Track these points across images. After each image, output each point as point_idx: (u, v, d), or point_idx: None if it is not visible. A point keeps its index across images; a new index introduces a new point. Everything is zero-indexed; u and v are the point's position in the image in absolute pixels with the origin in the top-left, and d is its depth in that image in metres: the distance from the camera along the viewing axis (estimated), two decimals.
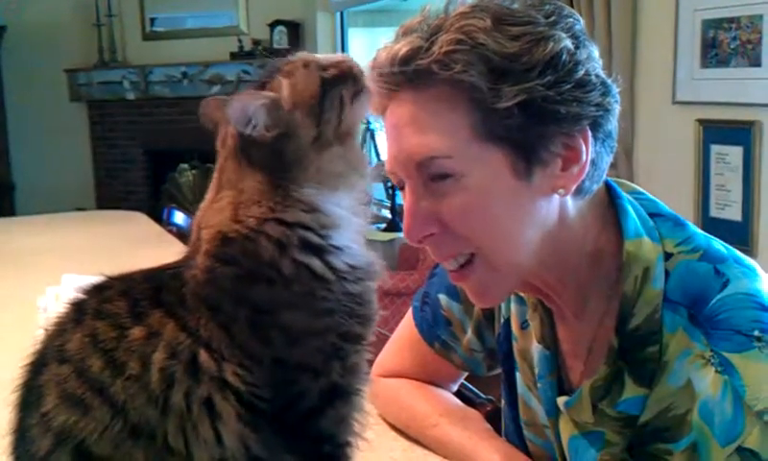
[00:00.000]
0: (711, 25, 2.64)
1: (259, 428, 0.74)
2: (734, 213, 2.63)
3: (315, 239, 0.76)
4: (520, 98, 0.82)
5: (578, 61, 0.84)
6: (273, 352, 0.74)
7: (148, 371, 0.72)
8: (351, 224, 0.80)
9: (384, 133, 0.92)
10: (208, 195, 0.82)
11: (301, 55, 0.83)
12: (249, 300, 0.75)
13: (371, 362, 0.83)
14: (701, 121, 2.73)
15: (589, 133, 0.86)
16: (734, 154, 2.61)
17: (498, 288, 0.94)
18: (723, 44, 2.61)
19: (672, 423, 0.86)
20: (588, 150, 0.86)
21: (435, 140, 0.85)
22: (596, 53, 0.89)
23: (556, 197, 0.88)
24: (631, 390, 0.89)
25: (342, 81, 0.81)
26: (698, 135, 2.74)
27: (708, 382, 0.83)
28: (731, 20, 2.57)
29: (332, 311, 0.76)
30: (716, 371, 0.83)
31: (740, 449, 0.81)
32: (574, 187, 0.88)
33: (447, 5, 0.88)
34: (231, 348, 0.74)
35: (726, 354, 0.83)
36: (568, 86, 0.83)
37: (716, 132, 2.69)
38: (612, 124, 0.89)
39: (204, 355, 0.73)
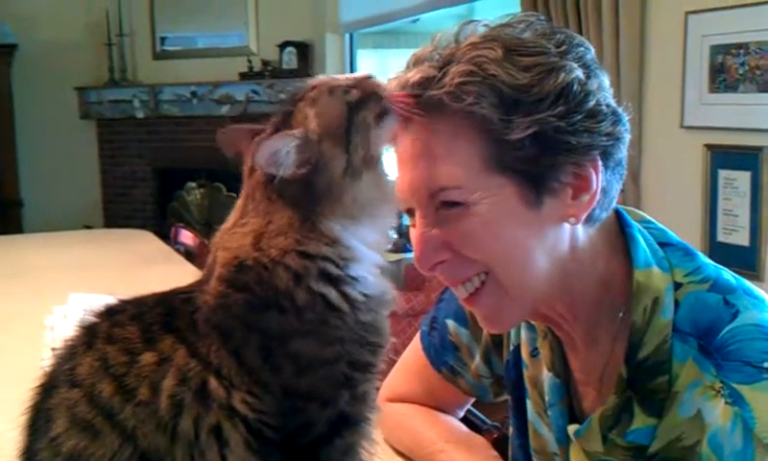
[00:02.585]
0: (720, 50, 2.64)
1: (266, 456, 0.74)
2: (742, 238, 2.63)
3: (334, 270, 0.76)
4: (532, 130, 0.82)
5: (589, 92, 0.85)
6: (282, 380, 0.74)
7: (157, 397, 0.72)
8: (371, 257, 0.79)
9: (394, 159, 0.92)
10: (231, 218, 0.81)
11: (324, 79, 0.82)
12: (260, 326, 0.74)
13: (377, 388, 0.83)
14: (709, 146, 2.73)
15: (600, 163, 0.86)
16: (742, 179, 2.61)
17: (509, 314, 0.93)
18: (731, 70, 2.61)
19: (681, 453, 0.85)
20: (598, 179, 0.86)
21: (446, 170, 0.85)
22: (607, 82, 0.89)
23: (566, 225, 0.88)
24: (640, 420, 0.89)
25: (366, 102, 0.80)
26: (706, 160, 2.74)
27: (717, 413, 0.83)
28: (739, 46, 2.57)
29: (343, 340, 0.76)
30: (726, 402, 0.83)
31: None
32: (584, 216, 0.88)
33: (458, 34, 0.88)
34: (241, 375, 0.73)
35: (736, 386, 0.83)
36: (579, 117, 0.83)
37: (724, 157, 2.68)
38: (623, 152, 0.89)
39: (213, 382, 0.73)
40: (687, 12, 2.75)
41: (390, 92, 0.85)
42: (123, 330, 0.76)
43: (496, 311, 0.92)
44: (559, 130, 0.82)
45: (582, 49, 0.87)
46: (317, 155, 0.77)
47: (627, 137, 0.89)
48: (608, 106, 0.87)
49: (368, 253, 0.79)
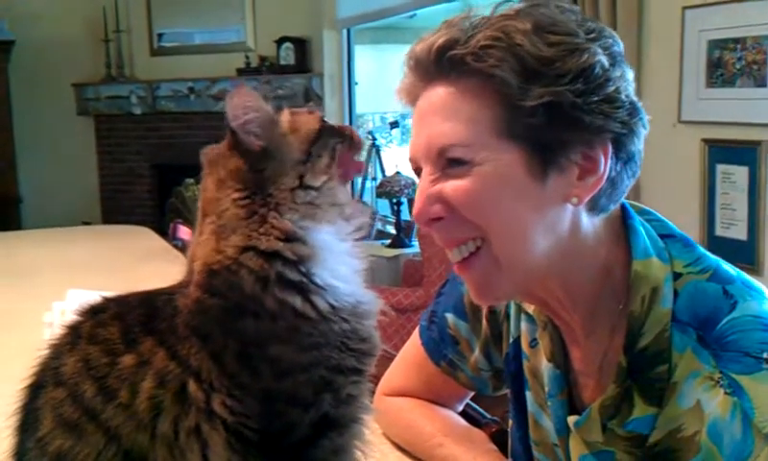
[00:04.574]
0: (717, 45, 2.65)
1: (248, 455, 0.74)
2: (740, 232, 2.63)
3: (294, 276, 0.75)
4: (546, 99, 0.83)
5: (610, 78, 0.85)
6: (262, 384, 0.74)
7: (137, 398, 0.72)
8: (336, 259, 0.78)
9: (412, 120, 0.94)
10: (197, 228, 0.82)
11: (309, 107, 0.86)
12: (237, 332, 0.74)
13: (376, 380, 0.82)
14: (706, 141, 2.73)
15: (610, 149, 0.87)
16: (740, 173, 2.62)
17: (500, 285, 0.92)
18: (728, 64, 2.61)
19: (681, 444, 0.86)
20: (606, 164, 0.87)
21: (456, 128, 0.87)
22: (631, 76, 0.90)
23: (569, 206, 0.89)
24: (640, 409, 0.90)
25: (339, 136, 0.83)
26: (704, 155, 2.74)
27: (716, 404, 0.84)
28: (736, 41, 2.58)
29: (319, 346, 0.75)
30: (725, 392, 0.83)
31: None
32: (587, 198, 0.88)
33: (494, 11, 0.89)
34: (221, 377, 0.73)
35: (735, 376, 0.84)
36: (596, 99, 0.84)
37: (722, 151, 2.69)
38: (636, 147, 0.90)
39: (192, 385, 0.73)
40: (684, 7, 2.75)
41: (404, 60, 0.91)
42: (105, 331, 0.76)
43: (487, 280, 0.92)
44: (574, 105, 0.83)
45: (611, 41, 0.89)
46: (275, 140, 0.79)
47: (642, 133, 0.90)
48: (627, 96, 0.87)
49: (330, 252, 0.78)
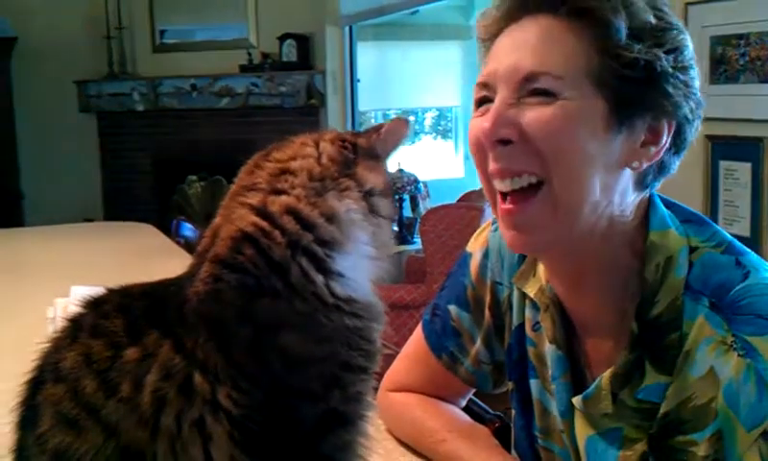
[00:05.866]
0: (720, 41, 2.64)
1: (251, 449, 0.73)
2: (743, 229, 2.63)
3: (320, 253, 0.76)
4: (645, 57, 0.87)
5: (692, 66, 0.92)
6: (271, 376, 0.73)
7: (140, 392, 0.71)
8: (359, 259, 0.79)
9: (492, 52, 0.95)
10: (238, 183, 0.82)
11: None
12: (250, 314, 0.73)
13: (380, 376, 0.83)
14: (710, 137, 2.73)
15: (674, 128, 0.91)
16: (743, 170, 2.61)
17: (546, 233, 0.92)
18: (732, 60, 2.61)
19: (693, 413, 0.86)
20: (668, 139, 0.90)
21: (554, 57, 0.89)
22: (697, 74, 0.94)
23: (627, 173, 0.91)
24: (652, 377, 0.90)
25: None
26: (707, 151, 2.74)
27: (730, 367, 0.84)
28: (739, 37, 2.57)
29: (332, 340, 0.75)
30: (738, 355, 0.84)
31: (766, 434, 0.81)
32: (645, 167, 0.91)
33: None
34: (228, 369, 0.72)
35: (748, 338, 0.84)
36: (682, 77, 0.89)
37: (725, 147, 2.68)
38: (689, 137, 0.94)
39: (198, 378, 0.72)
40: (687, 3, 2.74)
41: None
42: (108, 323, 0.75)
43: (536, 223, 0.91)
44: (665, 74, 0.88)
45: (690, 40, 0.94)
46: (384, 162, 0.85)
47: (698, 126, 0.94)
48: (697, 89, 0.92)
49: (357, 253, 0.79)
